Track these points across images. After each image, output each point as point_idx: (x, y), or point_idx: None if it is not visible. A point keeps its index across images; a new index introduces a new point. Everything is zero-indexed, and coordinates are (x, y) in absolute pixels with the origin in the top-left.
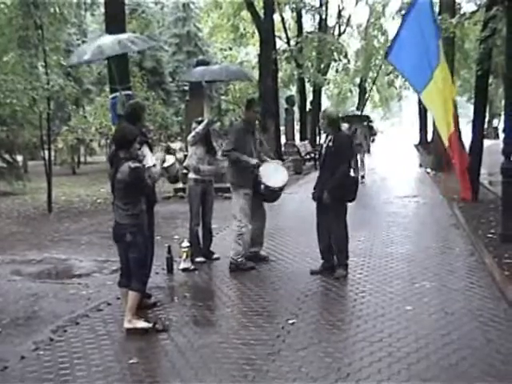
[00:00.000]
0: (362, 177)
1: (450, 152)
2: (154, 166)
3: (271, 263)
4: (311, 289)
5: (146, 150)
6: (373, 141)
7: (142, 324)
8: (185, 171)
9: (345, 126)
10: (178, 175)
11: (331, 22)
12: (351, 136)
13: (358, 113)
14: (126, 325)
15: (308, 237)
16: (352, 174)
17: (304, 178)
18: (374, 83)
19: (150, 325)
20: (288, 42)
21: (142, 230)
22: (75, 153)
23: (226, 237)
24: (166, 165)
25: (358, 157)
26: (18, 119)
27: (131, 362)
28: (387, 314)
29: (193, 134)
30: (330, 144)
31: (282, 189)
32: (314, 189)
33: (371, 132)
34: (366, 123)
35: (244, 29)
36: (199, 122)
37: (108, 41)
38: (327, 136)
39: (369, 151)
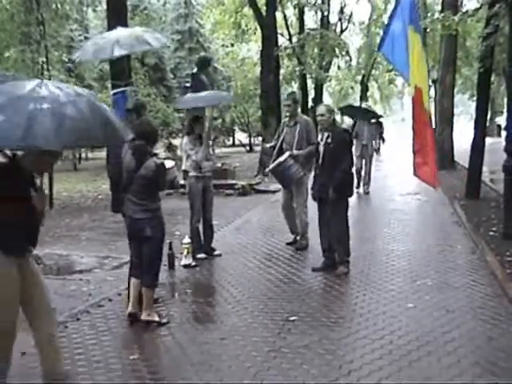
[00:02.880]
0: (366, 192)
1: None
2: None
3: (272, 260)
4: (312, 286)
5: None
6: (383, 141)
7: (157, 318)
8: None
9: (346, 122)
10: (175, 182)
11: (333, 18)
12: (351, 132)
13: (364, 105)
14: (145, 317)
15: (309, 234)
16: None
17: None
18: (367, 79)
19: (165, 320)
20: (290, 39)
21: (161, 224)
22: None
23: (226, 233)
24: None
25: (363, 162)
26: None
27: (132, 357)
28: (388, 311)
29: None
30: (329, 141)
31: (276, 170)
32: (312, 189)
33: (381, 130)
34: (374, 121)
35: (246, 25)
36: (194, 120)
37: (126, 36)
38: (324, 133)
39: (378, 151)
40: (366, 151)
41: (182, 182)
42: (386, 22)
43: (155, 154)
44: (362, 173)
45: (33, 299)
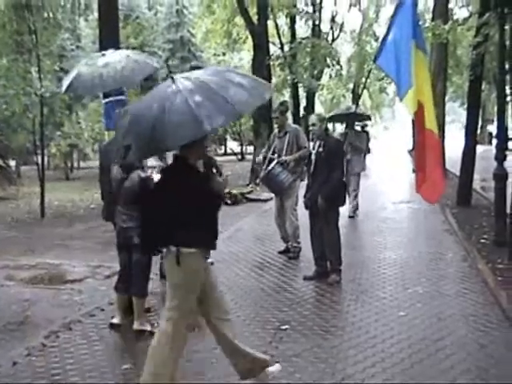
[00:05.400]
0: (352, 213)
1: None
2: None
3: (264, 269)
4: (304, 295)
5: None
6: (369, 151)
7: (149, 327)
8: None
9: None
10: None
11: (325, 27)
12: (342, 141)
13: (353, 109)
14: (137, 327)
15: (301, 242)
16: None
17: None
18: (364, 88)
19: (156, 329)
20: (282, 48)
21: None
22: (68, 158)
23: (218, 242)
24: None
25: (352, 180)
26: (11, 124)
27: (124, 367)
28: (380, 319)
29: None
30: (321, 150)
31: (265, 179)
32: (305, 197)
33: (367, 139)
34: (360, 129)
35: (237, 34)
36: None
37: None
38: (316, 141)
39: (363, 169)
40: (350, 167)
41: None
42: (376, 31)
43: (142, 167)
44: (350, 191)
45: (208, 288)
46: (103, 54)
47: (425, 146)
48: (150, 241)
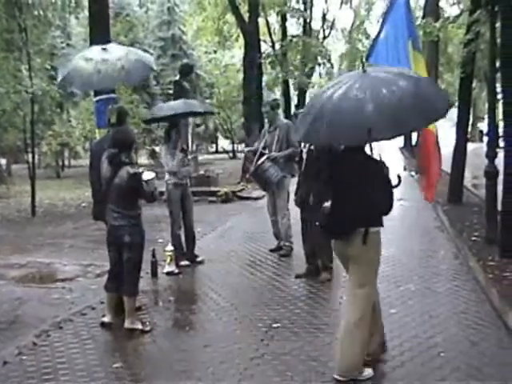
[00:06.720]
0: None
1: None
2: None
3: (256, 267)
4: (295, 293)
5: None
6: None
7: (140, 326)
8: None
9: None
10: (154, 193)
11: (316, 25)
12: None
13: None
14: (128, 325)
15: (292, 239)
16: None
17: None
18: None
19: (148, 328)
20: (273, 46)
21: (140, 232)
22: (59, 156)
23: (210, 240)
24: (144, 178)
25: None
26: (1, 123)
27: (115, 366)
28: None
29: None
30: (312, 148)
31: (255, 174)
32: (296, 194)
33: None
34: None
35: (228, 32)
36: (170, 128)
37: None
38: None
39: None
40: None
41: (162, 189)
42: (368, 29)
43: (131, 164)
44: None
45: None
46: (104, 49)
47: (427, 145)
48: (339, 224)
